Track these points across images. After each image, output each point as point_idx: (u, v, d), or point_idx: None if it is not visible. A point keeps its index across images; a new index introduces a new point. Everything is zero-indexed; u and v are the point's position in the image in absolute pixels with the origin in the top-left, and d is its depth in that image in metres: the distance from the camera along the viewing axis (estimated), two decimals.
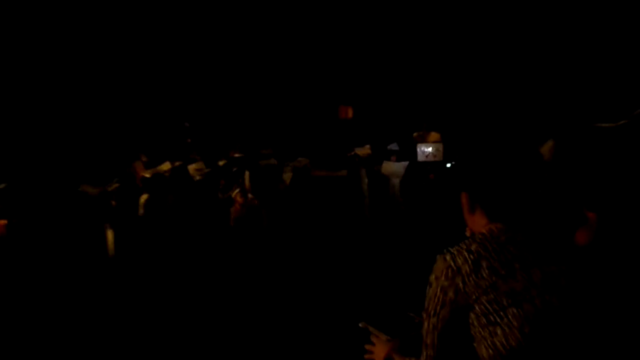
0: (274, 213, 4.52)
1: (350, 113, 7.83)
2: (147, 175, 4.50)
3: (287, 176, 5.13)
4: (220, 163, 5.68)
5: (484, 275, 0.99)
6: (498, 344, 0.98)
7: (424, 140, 6.16)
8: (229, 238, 4.26)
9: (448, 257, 1.02)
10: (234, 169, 5.43)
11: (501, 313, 0.98)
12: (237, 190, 4.79)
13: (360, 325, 1.24)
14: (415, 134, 6.32)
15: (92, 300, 3.44)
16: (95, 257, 3.92)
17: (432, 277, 1.03)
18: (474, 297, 0.99)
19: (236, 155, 5.83)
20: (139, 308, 3.35)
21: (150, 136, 7.21)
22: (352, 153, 5.88)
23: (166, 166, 4.78)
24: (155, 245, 3.95)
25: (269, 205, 4.53)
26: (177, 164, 5.00)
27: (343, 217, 5.14)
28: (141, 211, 4.23)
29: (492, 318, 0.98)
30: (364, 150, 5.88)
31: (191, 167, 4.84)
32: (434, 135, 6.24)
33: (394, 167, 5.81)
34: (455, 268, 1.00)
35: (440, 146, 6.03)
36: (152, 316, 3.22)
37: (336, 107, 7.84)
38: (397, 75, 7.62)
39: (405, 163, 5.82)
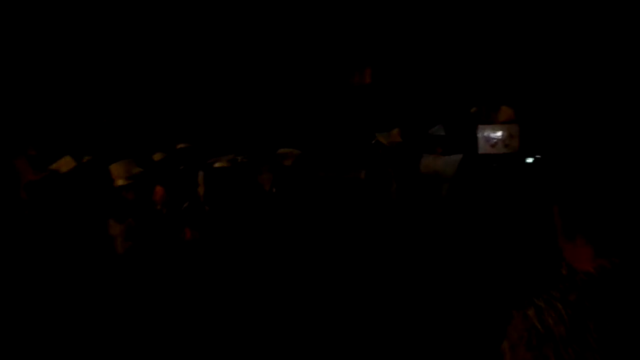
0: (244, 237, 4.59)
1: (367, 77, 7.84)
2: (36, 179, 4.52)
3: (266, 178, 5.18)
4: (157, 158, 5.76)
5: (592, 343, 0.97)
6: None
7: (489, 120, 6.20)
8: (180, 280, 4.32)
9: (531, 313, 1.02)
10: (180, 168, 5.50)
11: None
12: (185, 204, 4.87)
13: None
14: (473, 109, 6.36)
15: None
16: None
17: (506, 346, 1.04)
18: None
19: (182, 146, 5.90)
20: None
21: (41, 116, 7.27)
22: (373, 142, 5.94)
23: (67, 164, 4.81)
24: (49, 292, 3.99)
25: (236, 225, 4.60)
26: (85, 159, 5.05)
27: (359, 245, 5.17)
28: (27, 236, 4.26)
29: None
30: (391, 138, 5.90)
31: (113, 166, 4.90)
32: (506, 112, 6.27)
33: (440, 164, 5.84)
34: (542, 331, 1.00)
35: (515, 129, 6.06)
36: None
37: (347, 68, 7.87)
38: (440, 15, 7.64)
39: (458, 157, 5.84)
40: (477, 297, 4.31)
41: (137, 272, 4.34)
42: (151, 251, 4.56)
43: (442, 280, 4.76)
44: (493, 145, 6.07)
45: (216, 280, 4.42)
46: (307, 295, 4.40)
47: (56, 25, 7.67)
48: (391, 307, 4.44)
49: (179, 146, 6.02)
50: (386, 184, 5.71)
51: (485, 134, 6.11)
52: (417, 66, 7.69)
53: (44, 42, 7.68)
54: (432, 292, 4.61)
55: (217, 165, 4.95)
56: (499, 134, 6.11)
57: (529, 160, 6.03)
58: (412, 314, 4.40)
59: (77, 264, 4.23)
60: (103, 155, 5.35)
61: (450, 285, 4.66)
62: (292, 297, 4.36)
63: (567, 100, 6.59)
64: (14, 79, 7.51)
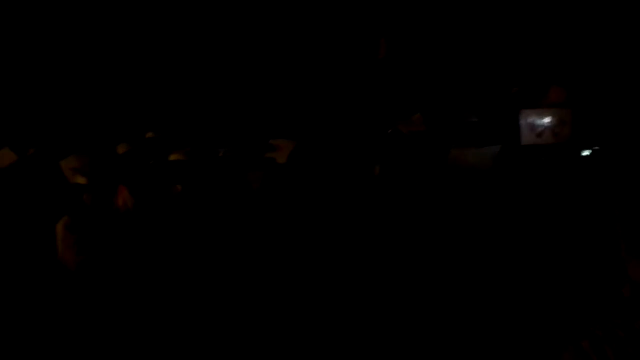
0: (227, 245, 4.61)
1: (382, 50, 7.85)
2: None
3: (256, 177, 5.22)
4: (121, 150, 5.77)
5: None
6: None
7: (535, 103, 6.24)
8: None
9: (586, 345, 1.06)
10: (150, 163, 5.50)
11: None
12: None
13: None
14: (514, 90, 6.38)
15: None
16: None
17: None
18: None
19: (150, 135, 5.92)
20: None
21: None
22: (390, 130, 6.05)
23: (6, 157, 4.83)
24: None
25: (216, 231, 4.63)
26: (30, 152, 5.06)
27: (372, 260, 5.16)
28: None
29: None
30: (412, 125, 6.03)
31: (65, 161, 4.92)
32: (556, 93, 6.34)
33: (473, 158, 5.88)
34: None
35: (567, 114, 6.11)
36: None
37: (356, 38, 7.88)
38: None
39: (496, 149, 5.89)
40: (518, 324, 4.29)
41: (93, 292, 4.34)
42: (111, 267, 4.54)
43: (475, 300, 4.75)
44: (539, 135, 6.08)
45: (192, 304, 4.43)
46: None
47: None
48: (419, 325, 4.48)
49: (148, 135, 6.06)
50: (406, 183, 5.71)
51: (530, 120, 6.12)
52: (442, 34, 7.65)
53: None
54: (463, 314, 4.61)
55: (172, 158, 4.97)
56: (547, 120, 6.12)
57: (585, 153, 6.00)
58: (441, 334, 4.42)
59: (18, 281, 4.24)
60: (52, 148, 5.35)
61: (485, 307, 4.66)
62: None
63: (634, 78, 6.56)
64: None
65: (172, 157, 5.01)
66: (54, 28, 7.86)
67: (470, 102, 6.38)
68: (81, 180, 4.89)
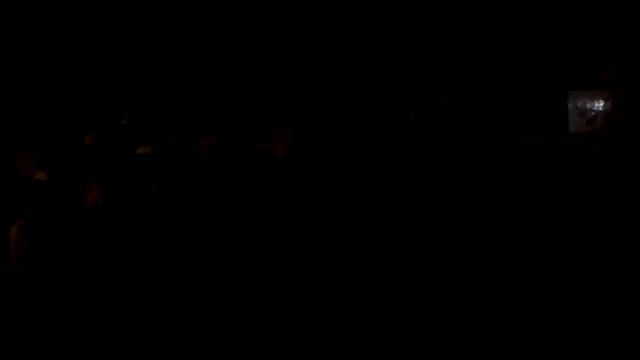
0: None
1: (400, 20, 7.82)
2: None
3: (248, 172, 5.22)
4: (89, 140, 5.76)
5: None
6: None
7: (586, 84, 6.25)
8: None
9: None
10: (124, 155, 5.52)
11: None
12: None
13: None
14: (561, 68, 6.31)
15: None
16: None
17: None
18: None
19: (124, 123, 5.91)
20: None
21: None
22: (412, 117, 6.08)
23: None
24: None
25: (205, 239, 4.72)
26: None
27: (383, 269, 5.19)
28: None
29: None
30: (438, 111, 6.07)
31: (20, 156, 5.02)
32: (610, 72, 6.36)
33: (511, 150, 5.89)
34: None
35: (623, 97, 6.10)
36: None
37: (371, 6, 7.84)
38: None
39: (537, 138, 5.93)
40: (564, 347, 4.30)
41: (52, 309, 4.36)
42: (76, 279, 4.56)
43: (516, 303, 4.81)
44: (590, 121, 6.02)
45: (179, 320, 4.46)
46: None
47: None
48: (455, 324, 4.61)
49: (122, 123, 6.05)
50: (429, 179, 5.71)
51: (579, 104, 6.08)
52: (472, 5, 7.60)
53: None
54: (501, 314, 4.69)
55: (146, 150, 4.98)
56: (600, 104, 6.09)
57: None
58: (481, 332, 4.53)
59: None
60: (3, 139, 5.39)
61: (529, 309, 4.69)
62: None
63: None
64: None
65: (146, 150, 5.00)
66: (15, 13, 7.88)
67: (506, 83, 6.34)
68: (41, 176, 4.89)
